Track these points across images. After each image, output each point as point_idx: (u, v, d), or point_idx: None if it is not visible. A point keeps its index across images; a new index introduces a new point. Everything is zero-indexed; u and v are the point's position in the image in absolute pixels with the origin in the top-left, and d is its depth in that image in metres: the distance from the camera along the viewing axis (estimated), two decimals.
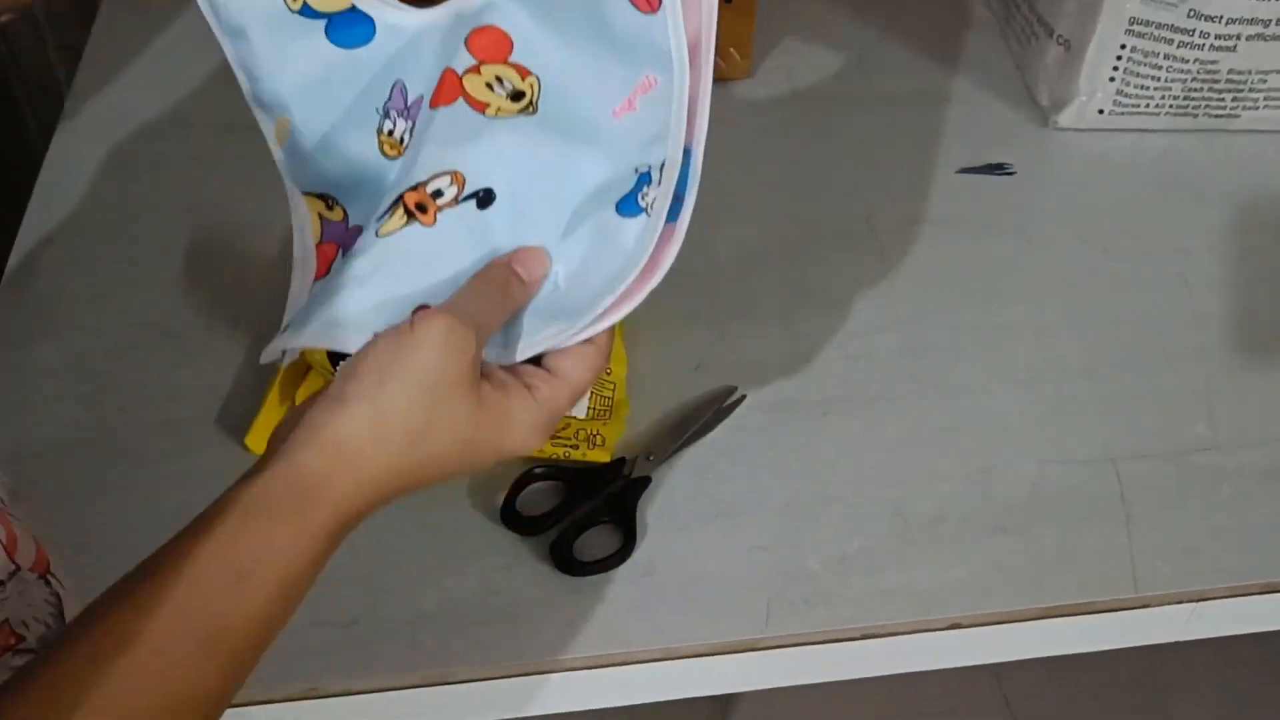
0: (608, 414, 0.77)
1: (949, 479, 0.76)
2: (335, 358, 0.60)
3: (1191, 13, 0.91)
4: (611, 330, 0.55)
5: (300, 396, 0.75)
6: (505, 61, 0.54)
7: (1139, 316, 0.86)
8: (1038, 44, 1.00)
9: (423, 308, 0.52)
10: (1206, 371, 0.83)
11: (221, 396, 0.79)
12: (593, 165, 0.54)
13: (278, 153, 0.57)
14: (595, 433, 0.76)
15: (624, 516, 0.73)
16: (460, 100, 0.53)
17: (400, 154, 0.55)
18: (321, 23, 0.55)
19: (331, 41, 0.55)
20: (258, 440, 0.74)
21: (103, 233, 0.89)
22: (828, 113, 1.01)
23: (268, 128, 0.57)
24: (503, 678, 0.68)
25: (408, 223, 0.53)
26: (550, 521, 0.73)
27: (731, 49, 1.01)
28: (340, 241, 0.56)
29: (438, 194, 0.53)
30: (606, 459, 0.75)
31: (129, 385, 0.79)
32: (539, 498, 0.74)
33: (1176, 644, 0.76)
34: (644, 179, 0.54)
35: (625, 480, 0.75)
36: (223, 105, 0.99)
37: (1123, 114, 0.98)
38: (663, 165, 0.54)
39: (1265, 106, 0.97)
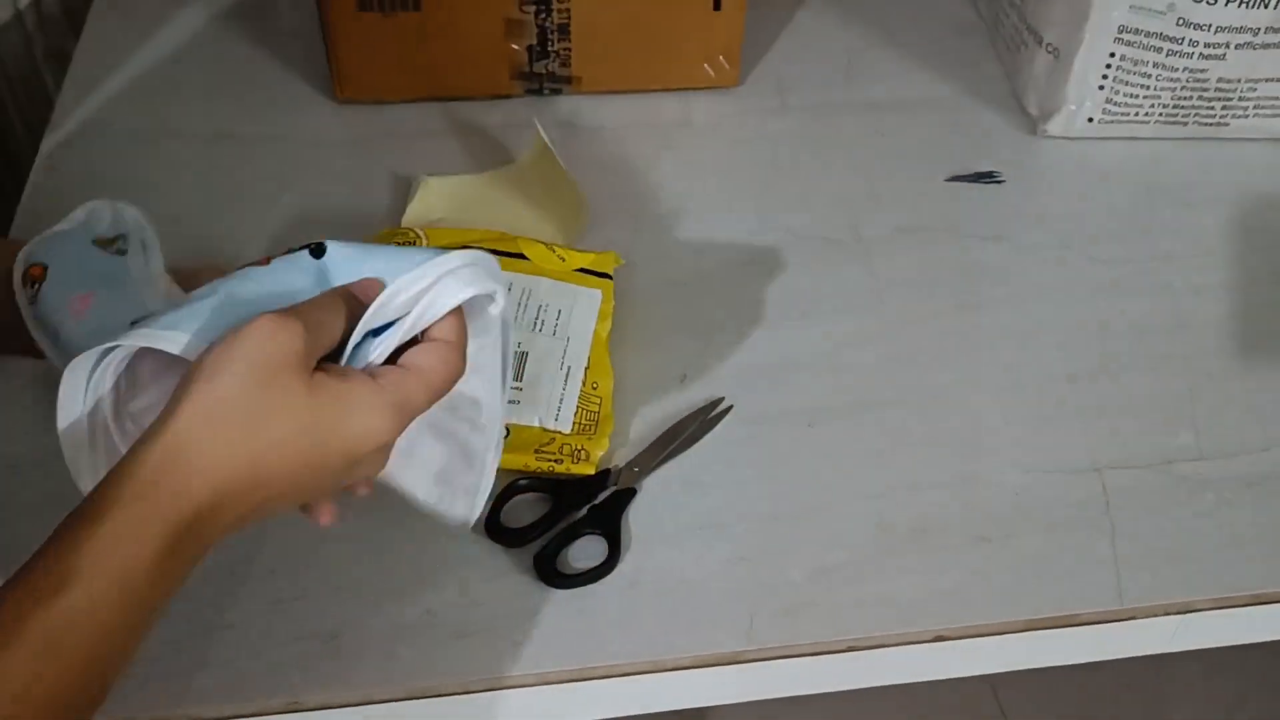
0: (593, 429, 0.76)
1: (932, 488, 0.76)
2: None
3: (1180, 21, 0.91)
4: (464, 332, 0.57)
5: None
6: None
7: (1126, 324, 0.86)
8: (1026, 52, 1.00)
9: None
10: (1192, 380, 0.83)
11: None
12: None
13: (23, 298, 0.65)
14: (579, 448, 0.75)
15: (609, 528, 0.73)
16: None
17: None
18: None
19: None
20: None
21: None
22: (815, 121, 1.01)
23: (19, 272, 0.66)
24: (484, 690, 0.67)
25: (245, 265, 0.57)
26: (535, 533, 0.72)
27: (720, 57, 1.00)
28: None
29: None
30: (591, 472, 0.75)
31: None
32: (524, 509, 0.74)
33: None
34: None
35: (611, 492, 0.75)
36: (209, 117, 0.99)
37: (1111, 122, 0.98)
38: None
39: (1254, 115, 0.97)
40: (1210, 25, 0.91)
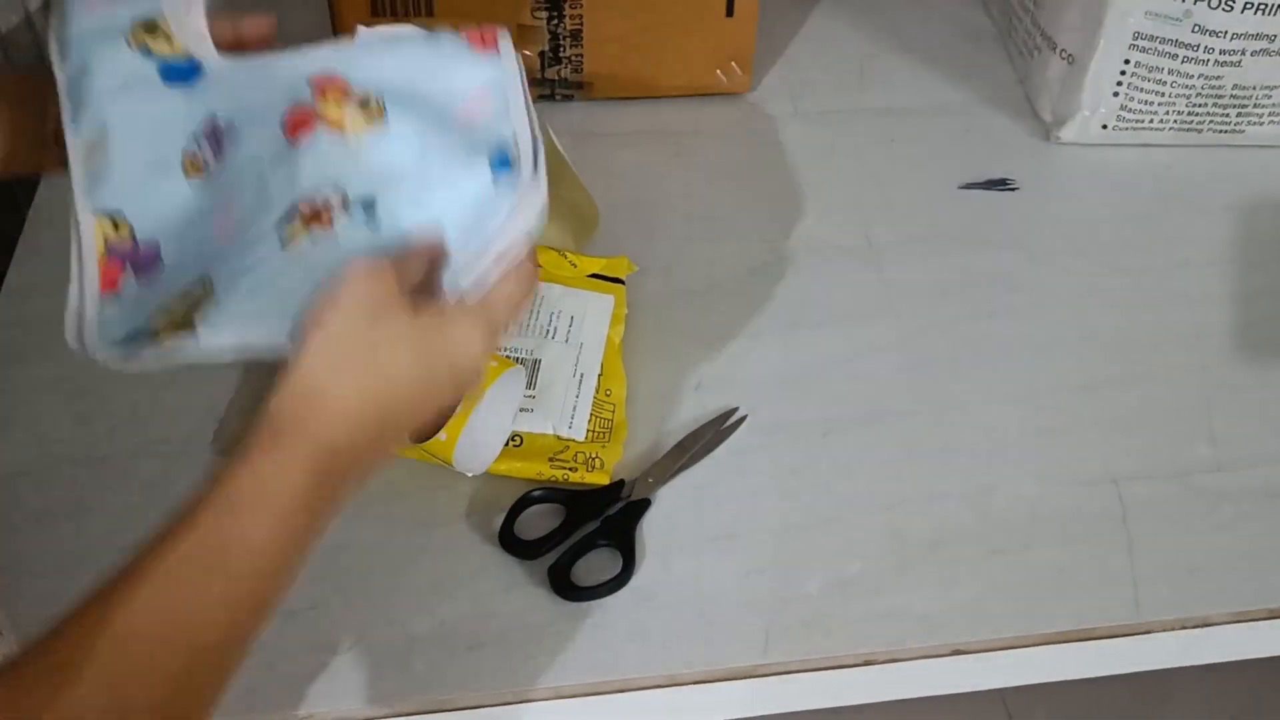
0: (606, 436, 0.76)
1: (947, 500, 0.76)
2: None
3: (1196, 28, 0.90)
4: (534, 257, 0.59)
5: None
6: (346, 100, 0.60)
7: (1142, 333, 0.86)
8: (1040, 58, 0.99)
9: None
10: (1209, 389, 0.82)
11: (213, 417, 0.78)
12: (451, 148, 0.59)
13: (79, 171, 0.60)
14: (594, 455, 0.75)
15: (623, 540, 0.72)
16: (319, 127, 0.58)
17: (200, 175, 0.60)
18: (154, 63, 0.62)
19: (162, 79, 0.62)
20: None
21: None
22: (828, 127, 1.00)
23: (78, 147, 0.60)
24: (497, 705, 0.67)
25: (307, 233, 0.56)
26: (549, 545, 0.72)
27: (732, 63, 1.00)
28: (127, 258, 0.59)
29: (328, 204, 0.57)
30: (605, 481, 0.75)
31: (120, 405, 0.79)
32: (538, 520, 0.73)
33: None
34: (503, 152, 0.59)
35: (625, 502, 0.74)
36: None
37: (1126, 129, 0.97)
38: (514, 136, 0.60)
39: (1270, 122, 0.96)
40: (1226, 32, 0.90)
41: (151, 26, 0.62)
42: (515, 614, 0.69)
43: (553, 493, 0.74)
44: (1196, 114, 0.96)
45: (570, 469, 0.75)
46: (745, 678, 0.68)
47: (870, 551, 0.73)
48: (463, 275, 0.57)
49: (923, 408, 0.81)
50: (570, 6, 0.94)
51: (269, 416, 0.51)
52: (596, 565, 0.71)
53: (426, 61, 0.62)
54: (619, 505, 0.74)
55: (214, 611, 0.48)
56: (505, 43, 0.63)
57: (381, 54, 0.62)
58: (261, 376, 0.80)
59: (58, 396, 0.79)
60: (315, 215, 0.56)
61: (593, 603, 0.70)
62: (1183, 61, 0.92)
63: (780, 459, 0.77)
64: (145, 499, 0.74)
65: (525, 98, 0.62)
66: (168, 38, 0.63)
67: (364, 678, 0.67)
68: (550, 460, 0.75)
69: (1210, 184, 0.97)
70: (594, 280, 0.84)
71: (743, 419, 0.79)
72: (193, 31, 0.63)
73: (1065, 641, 0.70)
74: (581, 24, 0.95)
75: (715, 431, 0.78)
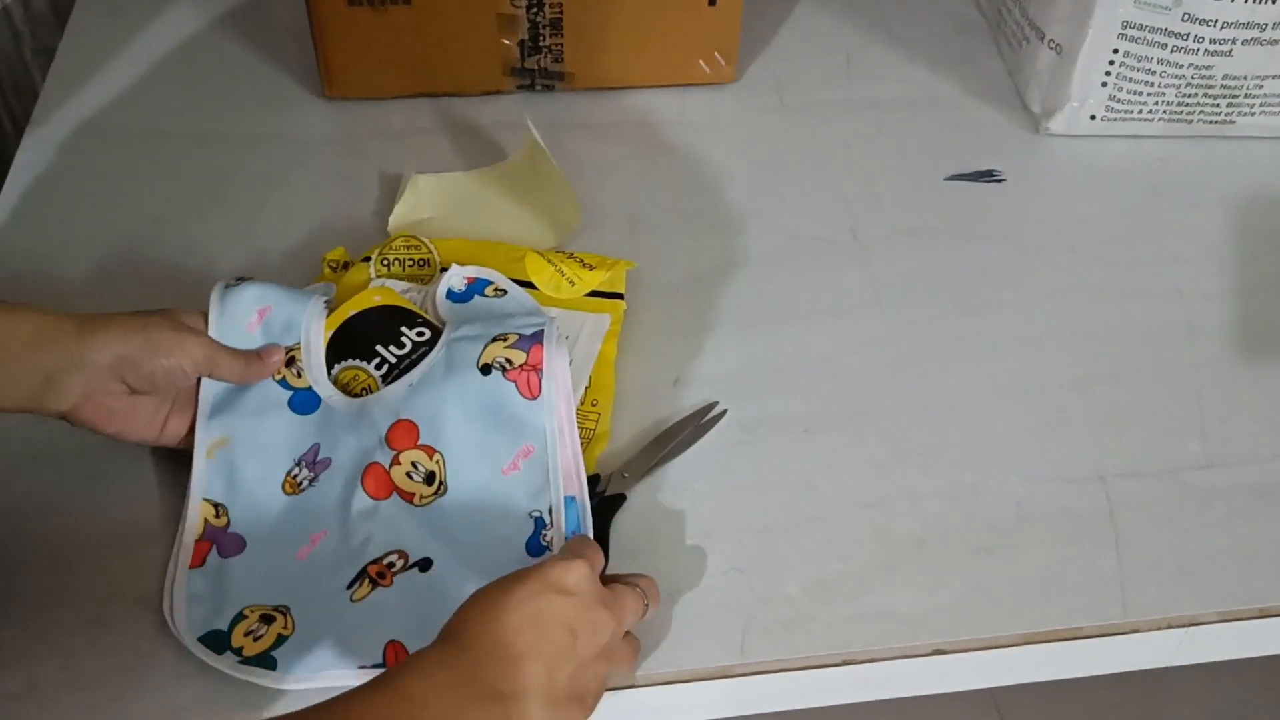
0: (585, 445, 0.74)
1: (932, 498, 0.74)
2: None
3: (1186, 16, 0.89)
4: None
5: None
6: (416, 446, 0.71)
7: (1131, 328, 0.84)
8: (1029, 48, 0.98)
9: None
10: (1200, 385, 0.81)
11: None
12: (496, 521, 0.70)
13: (200, 461, 0.71)
14: None
15: (597, 536, 0.71)
16: (394, 494, 0.70)
17: (296, 492, 0.71)
18: (288, 394, 0.74)
19: (290, 408, 0.73)
20: None
21: (67, 244, 0.87)
22: (813, 119, 0.99)
23: (206, 440, 0.72)
24: None
25: (372, 590, 0.67)
26: None
27: (716, 54, 0.98)
28: (215, 540, 0.69)
29: (391, 565, 0.68)
30: None
31: None
32: None
33: None
34: (540, 523, 0.69)
35: (599, 497, 0.73)
36: (196, 115, 0.97)
37: (1115, 120, 0.96)
38: (550, 509, 0.69)
39: (1261, 112, 0.95)
40: (1216, 21, 0.89)
41: (290, 360, 0.74)
42: None
43: None
44: (1187, 104, 0.94)
45: None
46: (721, 678, 0.67)
47: (853, 551, 0.71)
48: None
49: (908, 404, 0.79)
50: None
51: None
52: None
53: (485, 411, 0.71)
54: (593, 499, 0.72)
55: None
56: (549, 385, 0.72)
57: (434, 389, 0.72)
58: None
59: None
60: (380, 575, 0.67)
61: None
62: (1172, 51, 0.90)
63: (762, 456, 0.76)
64: (111, 496, 0.72)
65: (561, 467, 0.71)
66: (299, 371, 0.74)
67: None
68: None
69: (1201, 176, 0.95)
70: (592, 299, 0.82)
71: (722, 413, 0.77)
72: (315, 364, 0.75)
73: (1050, 641, 0.69)
74: (561, 13, 0.93)
75: (694, 426, 0.76)
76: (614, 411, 0.77)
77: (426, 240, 0.84)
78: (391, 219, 0.87)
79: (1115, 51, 0.91)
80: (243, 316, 0.74)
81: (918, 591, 0.70)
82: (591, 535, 0.69)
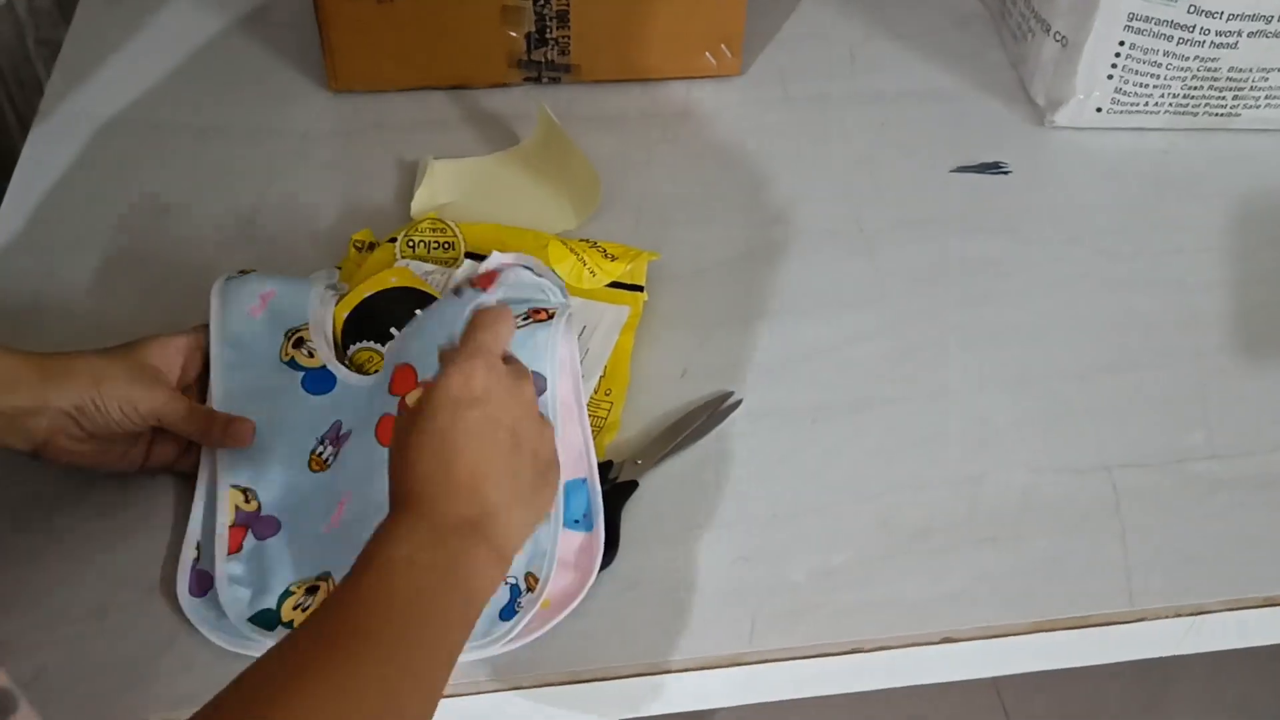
0: (596, 433, 0.75)
1: (938, 487, 0.74)
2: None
3: (1192, 8, 0.89)
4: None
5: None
6: (416, 385, 0.69)
7: (1135, 319, 0.84)
8: (1034, 40, 0.98)
9: None
10: (1204, 376, 0.81)
11: None
12: None
13: (222, 451, 0.71)
14: None
15: (607, 523, 0.71)
16: None
17: (323, 469, 0.71)
18: (300, 374, 0.74)
19: (304, 388, 0.74)
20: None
21: (73, 237, 0.87)
22: (818, 111, 0.99)
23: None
24: (478, 693, 0.66)
25: None
26: None
27: (722, 46, 0.98)
28: (249, 525, 0.69)
29: None
30: None
31: None
32: None
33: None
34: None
35: (611, 484, 0.73)
36: (200, 108, 0.98)
37: (1121, 112, 0.96)
38: (547, 408, 0.68)
39: (1266, 105, 0.95)
40: (1222, 13, 0.89)
41: (299, 341, 0.75)
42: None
43: None
44: (1192, 97, 0.94)
45: None
46: (729, 666, 0.67)
47: (858, 540, 0.72)
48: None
49: (913, 394, 0.79)
50: None
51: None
52: None
53: (450, 319, 0.69)
54: (605, 486, 0.72)
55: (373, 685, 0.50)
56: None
57: (421, 326, 0.72)
58: None
59: None
60: None
61: None
62: (1178, 43, 0.91)
63: (768, 446, 0.76)
64: (107, 481, 0.73)
65: (576, 436, 0.71)
66: (310, 351, 0.74)
67: None
68: None
69: (1206, 168, 0.95)
70: (612, 290, 0.82)
71: (738, 402, 0.78)
72: (324, 343, 0.75)
73: (1055, 630, 0.69)
74: (568, 5, 0.93)
75: (710, 415, 0.77)
76: (625, 400, 0.77)
77: (452, 224, 0.84)
78: (413, 205, 0.87)
79: (1121, 44, 0.92)
80: (245, 301, 0.75)
81: (924, 580, 0.70)
82: (602, 522, 0.69)
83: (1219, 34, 0.90)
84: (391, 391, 0.70)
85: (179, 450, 0.72)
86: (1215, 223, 0.91)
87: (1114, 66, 0.93)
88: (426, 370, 0.69)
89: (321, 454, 0.72)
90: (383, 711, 0.50)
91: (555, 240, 0.83)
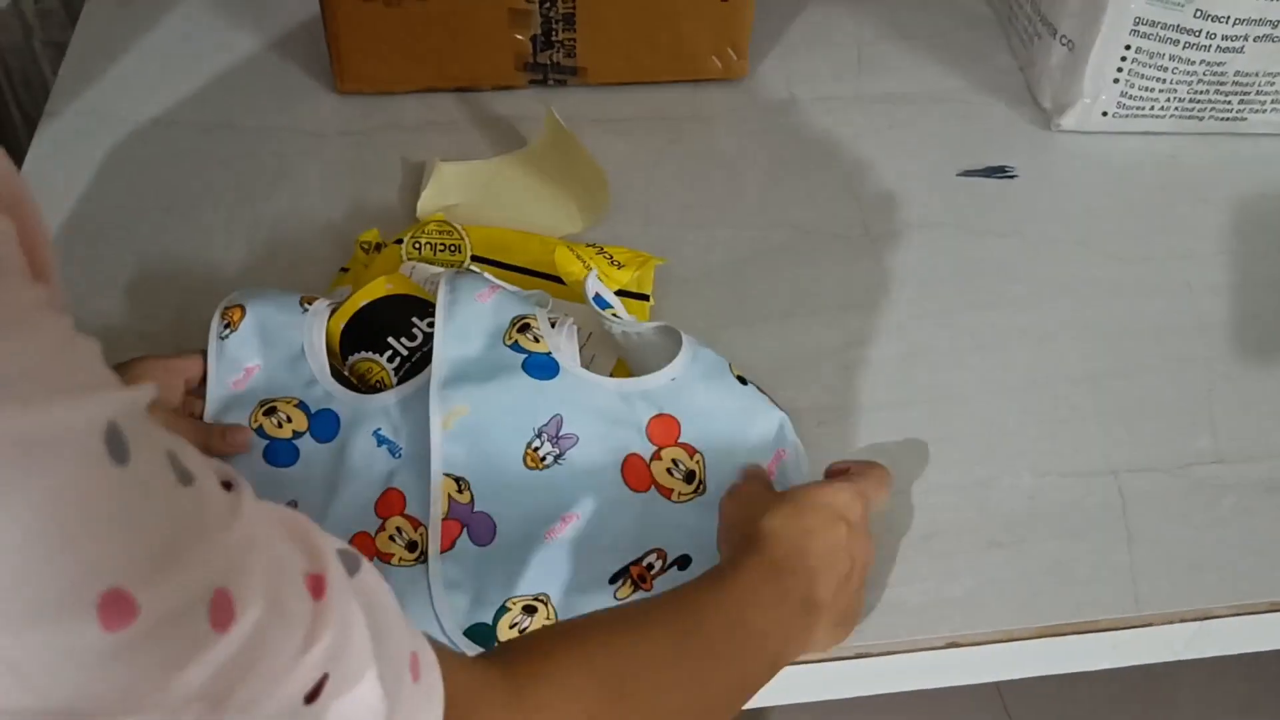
0: None
1: (943, 492, 0.74)
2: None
3: (1198, 13, 0.89)
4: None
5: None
6: (676, 443, 0.71)
7: (1142, 323, 0.84)
8: (1040, 44, 0.98)
9: None
10: (1211, 381, 0.81)
11: None
12: None
13: (438, 435, 0.68)
14: None
15: None
16: (652, 489, 0.70)
17: (539, 467, 0.69)
18: (521, 356, 0.71)
19: (525, 370, 0.70)
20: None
21: (81, 235, 0.87)
22: (825, 113, 0.99)
23: (442, 411, 0.69)
24: None
25: (634, 592, 0.67)
26: None
27: (728, 49, 0.99)
28: (464, 520, 0.67)
29: (650, 567, 0.68)
30: None
31: None
32: None
33: None
34: None
35: None
36: (206, 107, 0.98)
37: (1127, 116, 0.96)
38: None
39: (1272, 109, 0.95)
40: (1228, 17, 0.89)
41: (525, 326, 0.72)
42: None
43: None
44: (1198, 101, 0.94)
45: None
46: None
47: None
48: None
49: (918, 398, 0.79)
50: None
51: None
52: None
53: (733, 412, 0.73)
54: None
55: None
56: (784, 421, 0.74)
57: (696, 392, 0.72)
58: None
59: None
60: (641, 577, 0.67)
61: None
62: (1184, 47, 0.91)
63: None
64: None
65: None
66: (536, 338, 0.72)
67: None
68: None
69: (1212, 173, 0.95)
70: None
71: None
72: (553, 335, 0.73)
73: (1062, 635, 0.69)
74: (575, 8, 0.93)
75: None
76: None
77: (459, 226, 0.84)
78: (419, 206, 0.87)
79: (1128, 48, 0.92)
80: (230, 374, 0.74)
81: (929, 584, 0.70)
82: None
83: (1225, 38, 0.90)
84: (650, 439, 0.71)
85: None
86: (1222, 227, 0.91)
87: (1120, 70, 0.93)
88: (692, 433, 0.71)
89: (539, 450, 0.69)
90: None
91: (562, 246, 0.83)
